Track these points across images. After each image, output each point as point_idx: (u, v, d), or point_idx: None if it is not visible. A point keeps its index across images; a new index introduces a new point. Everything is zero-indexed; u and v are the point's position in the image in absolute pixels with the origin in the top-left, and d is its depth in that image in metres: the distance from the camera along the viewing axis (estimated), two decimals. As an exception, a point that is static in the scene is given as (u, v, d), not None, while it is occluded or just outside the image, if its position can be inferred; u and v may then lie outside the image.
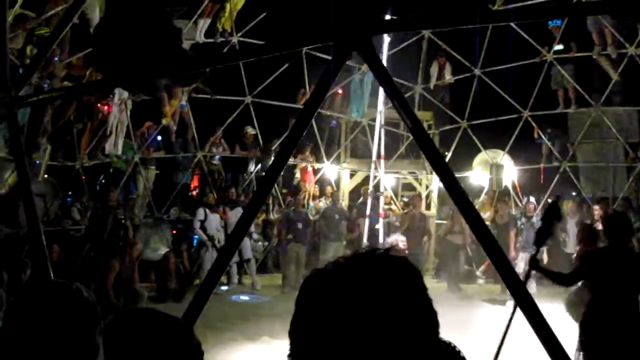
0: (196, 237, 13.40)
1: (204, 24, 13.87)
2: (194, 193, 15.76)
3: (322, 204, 14.84)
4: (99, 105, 12.78)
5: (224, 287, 13.21)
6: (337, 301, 1.15)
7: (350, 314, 1.13)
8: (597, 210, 12.74)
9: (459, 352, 1.46)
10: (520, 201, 15.12)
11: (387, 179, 16.11)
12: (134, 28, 3.01)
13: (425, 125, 16.29)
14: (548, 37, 14.85)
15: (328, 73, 2.72)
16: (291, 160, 15.55)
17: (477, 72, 15.35)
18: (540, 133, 15.27)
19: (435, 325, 1.20)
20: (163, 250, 12.96)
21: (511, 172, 15.09)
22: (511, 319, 4.67)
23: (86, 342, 2.02)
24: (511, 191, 15.14)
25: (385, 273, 1.18)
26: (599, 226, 12.38)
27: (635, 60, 14.07)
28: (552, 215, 5.65)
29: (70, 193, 13.81)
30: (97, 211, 11.94)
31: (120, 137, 13.21)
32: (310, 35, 3.12)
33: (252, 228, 14.08)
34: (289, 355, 1.22)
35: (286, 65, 14.64)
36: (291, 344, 1.22)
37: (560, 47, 14.73)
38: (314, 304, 1.19)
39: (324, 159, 15.97)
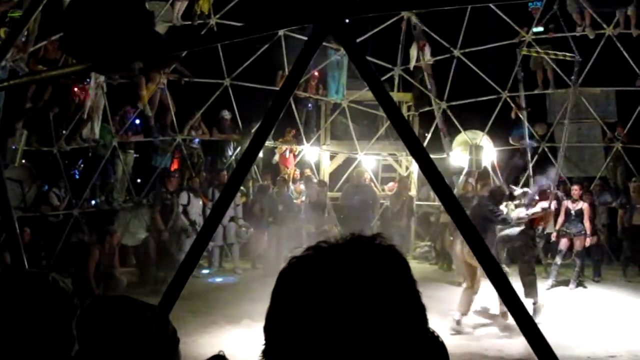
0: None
1: (181, 6, 13.70)
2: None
3: (303, 186, 14.84)
4: (75, 89, 12.61)
5: (205, 271, 13.22)
6: (318, 292, 1.05)
7: (331, 307, 1.03)
8: (576, 190, 12.90)
9: (437, 337, 1.45)
10: (500, 182, 15.21)
11: (367, 160, 16.21)
12: (105, 11, 2.95)
13: (404, 106, 16.35)
14: (527, 19, 14.88)
15: (304, 55, 2.70)
16: (272, 143, 15.56)
17: (456, 53, 15.37)
18: (520, 114, 15.34)
19: (424, 318, 1.11)
20: (143, 234, 12.89)
21: (490, 153, 15.16)
22: None
23: (62, 332, 2.00)
24: (490, 172, 15.21)
25: (371, 262, 1.08)
26: (578, 205, 12.60)
27: (612, 40, 14.18)
28: None
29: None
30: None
31: (97, 122, 13.06)
32: (286, 17, 3.08)
33: (240, 213, 14.09)
34: (263, 352, 1.11)
35: (265, 47, 14.54)
36: (266, 339, 1.11)
37: (539, 29, 14.77)
38: (292, 296, 1.08)
39: (304, 141, 15.95)
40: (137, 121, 14.42)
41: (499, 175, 14.99)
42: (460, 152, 15.24)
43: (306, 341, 1.03)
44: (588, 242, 12.55)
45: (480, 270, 8.42)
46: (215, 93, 14.85)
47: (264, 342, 1.11)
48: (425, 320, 1.11)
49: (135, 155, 15.08)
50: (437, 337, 1.45)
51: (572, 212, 12.67)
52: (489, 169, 15.15)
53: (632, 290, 11.92)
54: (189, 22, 13.93)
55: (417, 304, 1.10)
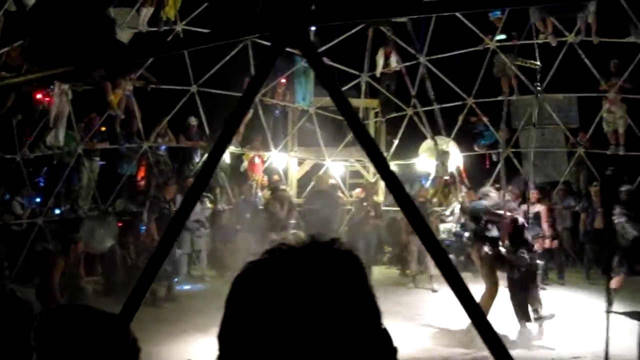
0: (143, 228, 13.22)
1: (147, 12, 13.64)
2: (141, 184, 15.52)
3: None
4: (39, 95, 12.45)
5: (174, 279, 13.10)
6: (271, 297, 1.03)
7: (285, 312, 1.01)
8: (534, 194, 13.18)
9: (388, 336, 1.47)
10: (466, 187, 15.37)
11: (335, 167, 16.26)
12: (66, 18, 2.94)
13: (372, 113, 16.46)
14: (492, 27, 15.12)
15: (264, 64, 2.71)
16: (239, 150, 15.54)
17: (422, 59, 15.51)
18: (485, 120, 15.56)
19: (378, 322, 1.09)
20: (109, 242, 12.75)
21: (457, 159, 15.31)
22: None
23: (19, 343, 1.99)
24: (457, 177, 15.36)
25: (327, 266, 1.07)
26: (535, 208, 12.84)
27: (574, 48, 14.46)
28: None
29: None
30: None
31: (61, 129, 12.91)
32: (246, 26, 3.09)
33: (206, 221, 14.01)
34: None
35: (232, 54, 14.51)
36: (220, 349, 1.07)
37: (502, 36, 15.02)
38: (245, 301, 1.06)
39: (271, 147, 15.93)
40: (103, 128, 14.29)
41: (466, 181, 15.13)
42: (427, 158, 15.37)
43: (259, 348, 1.01)
44: (547, 244, 12.78)
45: None
46: (182, 100, 14.76)
47: (217, 350, 1.08)
48: (379, 324, 1.10)
49: (101, 163, 14.91)
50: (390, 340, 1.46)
51: (530, 215, 12.90)
52: (456, 174, 15.28)
53: (595, 292, 12.09)
54: (155, 29, 13.86)
55: (373, 308, 1.09)
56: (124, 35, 13.32)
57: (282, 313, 1.01)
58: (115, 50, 3.01)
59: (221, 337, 1.08)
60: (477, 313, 2.39)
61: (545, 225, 12.85)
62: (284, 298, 1.02)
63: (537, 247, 12.65)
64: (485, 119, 15.48)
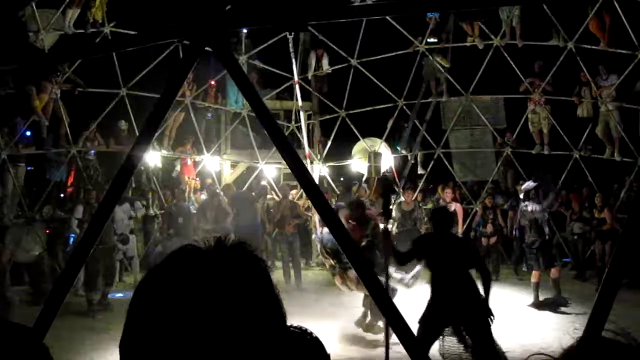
0: (73, 235, 12.90)
1: (73, 13, 13.32)
2: (69, 190, 15.14)
3: (204, 196, 14.68)
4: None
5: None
6: (172, 303, 1.01)
7: (185, 317, 0.99)
8: (448, 193, 13.70)
9: (314, 337, 1.49)
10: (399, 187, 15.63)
11: (268, 169, 16.24)
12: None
13: (304, 115, 16.51)
14: (422, 28, 15.40)
15: (181, 67, 2.71)
16: (170, 154, 15.36)
17: (353, 62, 15.68)
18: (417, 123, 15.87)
19: (283, 324, 1.09)
20: (36, 250, 12.40)
21: (389, 160, 15.54)
22: None
23: None
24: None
25: (231, 269, 1.06)
26: (450, 207, 13.29)
27: (500, 50, 14.89)
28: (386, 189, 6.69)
29: None
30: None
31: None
32: (164, 30, 3.08)
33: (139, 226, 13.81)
34: None
35: (162, 56, 14.30)
36: (121, 356, 1.04)
37: (433, 39, 15.32)
38: (144, 307, 1.03)
39: (204, 150, 15.80)
40: (28, 133, 13.87)
41: (398, 181, 15.38)
42: (359, 159, 15.55)
43: (158, 354, 1.00)
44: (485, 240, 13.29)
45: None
46: (112, 103, 14.43)
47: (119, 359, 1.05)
48: (284, 326, 1.10)
49: (28, 168, 14.47)
50: (312, 337, 1.48)
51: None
52: (388, 175, 15.52)
53: (523, 288, 12.51)
54: (82, 30, 13.54)
55: (276, 310, 1.09)
56: (48, 38, 13.00)
57: (181, 317, 0.99)
58: (28, 55, 2.95)
59: (122, 346, 1.05)
60: (390, 310, 2.46)
61: (459, 224, 13.35)
62: (183, 302, 1.00)
63: None
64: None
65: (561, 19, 14.23)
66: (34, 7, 12.36)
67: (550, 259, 11.35)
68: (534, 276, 11.36)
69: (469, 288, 6.60)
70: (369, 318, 9.34)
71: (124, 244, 12.54)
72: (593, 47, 14.21)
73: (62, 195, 14.93)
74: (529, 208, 11.44)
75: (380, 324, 8.44)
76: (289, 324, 1.14)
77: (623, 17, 13.20)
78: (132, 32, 12.51)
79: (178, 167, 16.06)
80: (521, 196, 12.16)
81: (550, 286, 11.52)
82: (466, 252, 6.82)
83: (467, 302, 6.52)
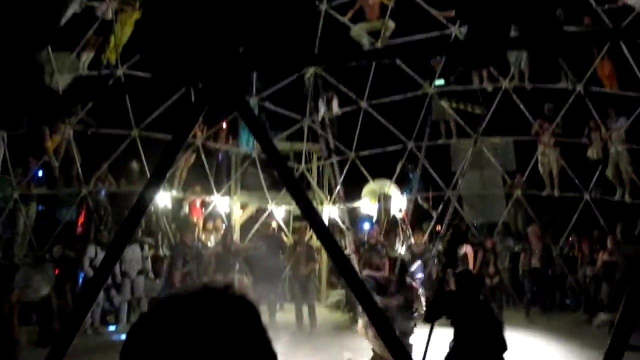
0: (82, 275, 12.91)
1: (87, 56, 13.56)
2: (80, 230, 15.18)
3: (213, 237, 14.69)
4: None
5: (112, 327, 12.79)
6: (163, 346, 1.03)
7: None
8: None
9: None
10: (408, 230, 15.59)
11: (277, 211, 16.27)
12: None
13: (315, 156, 16.62)
14: (430, 72, 15.55)
15: (192, 110, 2.76)
16: (181, 195, 15.43)
17: (363, 104, 15.81)
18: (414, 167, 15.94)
19: None
20: (45, 290, 12.38)
21: (399, 202, 15.54)
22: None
23: None
24: (399, 220, 15.58)
25: (220, 314, 1.07)
26: (462, 250, 13.24)
27: (509, 93, 14.99)
28: (457, 238, 6.40)
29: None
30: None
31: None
32: (176, 74, 3.14)
33: (149, 266, 13.80)
34: None
35: (175, 98, 14.47)
36: None
37: (441, 81, 15.44)
38: (138, 351, 1.05)
39: (214, 191, 15.86)
40: (40, 172, 13.99)
41: (407, 223, 15.36)
42: (369, 201, 15.56)
43: None
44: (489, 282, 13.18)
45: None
46: (123, 144, 14.56)
47: None
48: None
49: (39, 208, 14.55)
50: None
51: (458, 256, 13.28)
52: (398, 217, 15.51)
53: (535, 332, 12.33)
54: (96, 72, 13.76)
55: (267, 353, 1.10)
56: (63, 79, 13.21)
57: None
58: (44, 96, 3.02)
59: None
60: (397, 348, 2.44)
61: (470, 266, 13.26)
62: (173, 347, 1.03)
63: None
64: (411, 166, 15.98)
65: (569, 62, 14.34)
66: (50, 50, 12.62)
67: None
68: None
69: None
70: None
71: None
72: (601, 89, 14.28)
73: (72, 235, 14.97)
74: None
75: None
76: None
77: (631, 60, 13.28)
78: (146, 75, 12.68)
79: (187, 209, 16.10)
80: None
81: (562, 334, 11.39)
82: (490, 328, 6.51)
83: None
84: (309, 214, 2.54)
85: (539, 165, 15.37)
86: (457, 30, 14.16)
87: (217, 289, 1.12)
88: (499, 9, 2.69)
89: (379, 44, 14.40)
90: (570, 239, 14.84)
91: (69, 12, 11.37)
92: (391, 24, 14.48)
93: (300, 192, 2.56)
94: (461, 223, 14.55)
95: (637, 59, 13.27)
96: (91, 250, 12.63)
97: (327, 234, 2.51)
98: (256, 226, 15.90)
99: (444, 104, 15.37)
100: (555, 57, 13.09)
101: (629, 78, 13.76)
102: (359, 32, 14.49)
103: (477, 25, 2.68)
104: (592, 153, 14.96)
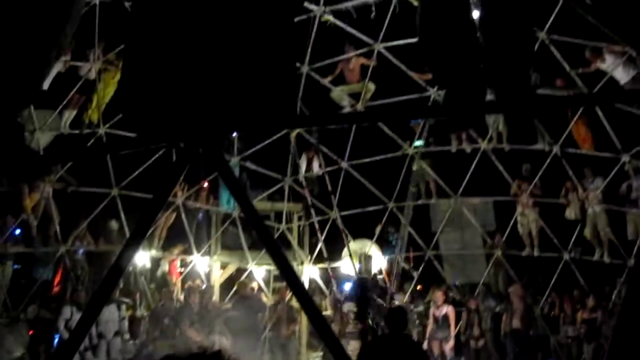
0: (57, 336, 12.62)
1: (69, 114, 13.61)
2: (56, 289, 14.92)
3: (192, 298, 14.48)
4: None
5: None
6: None
7: None
8: (439, 295, 13.61)
9: None
10: (390, 290, 15.51)
11: (258, 271, 16.14)
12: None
13: (295, 216, 16.61)
14: (410, 133, 15.77)
15: (172, 170, 2.78)
16: (160, 254, 15.29)
17: (344, 165, 15.92)
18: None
19: None
20: (18, 352, 12.08)
21: (379, 262, 15.51)
22: None
23: None
24: (379, 281, 15.51)
25: None
26: (442, 310, 13.24)
27: (487, 154, 15.19)
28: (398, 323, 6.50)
29: None
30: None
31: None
32: (158, 135, 3.16)
33: (125, 327, 13.53)
34: None
35: (156, 157, 14.48)
36: None
37: (420, 142, 15.65)
38: None
39: (194, 251, 15.74)
40: (18, 231, 13.83)
41: (388, 283, 15.29)
42: (350, 261, 15.49)
43: None
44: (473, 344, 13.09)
45: None
46: (103, 202, 14.48)
47: None
48: None
49: (15, 267, 14.32)
50: None
51: (439, 317, 13.24)
52: (379, 278, 15.46)
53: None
54: (77, 131, 13.79)
55: None
56: (44, 137, 13.21)
57: None
58: (24, 157, 3.03)
59: None
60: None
61: (452, 327, 13.22)
62: None
63: (447, 349, 13.00)
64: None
65: (546, 123, 14.60)
66: (32, 108, 12.65)
67: None
68: None
69: None
70: None
71: None
72: (578, 151, 14.52)
73: (48, 295, 14.70)
74: None
75: None
76: None
77: (605, 122, 13.56)
78: (128, 134, 12.74)
79: (166, 267, 15.92)
80: None
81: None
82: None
83: None
84: (287, 275, 2.54)
85: (519, 225, 15.46)
86: (436, 93, 14.44)
87: (209, 354, 1.11)
88: (474, 74, 2.77)
89: (359, 106, 14.64)
90: (551, 299, 14.82)
91: (53, 72, 11.53)
92: (371, 86, 14.77)
93: (278, 253, 2.57)
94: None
95: (611, 120, 13.56)
96: (67, 311, 12.37)
97: (305, 295, 2.50)
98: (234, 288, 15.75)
99: (424, 164, 15.55)
100: (530, 120, 13.37)
101: (605, 139, 14.03)
102: (340, 94, 14.77)
103: (453, 89, 2.76)
104: (570, 213, 15.10)
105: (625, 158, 13.85)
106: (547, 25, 12.96)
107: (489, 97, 3.07)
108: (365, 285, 12.66)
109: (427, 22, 2.76)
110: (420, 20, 2.80)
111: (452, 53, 2.74)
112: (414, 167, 15.72)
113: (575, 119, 14.07)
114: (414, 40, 2.90)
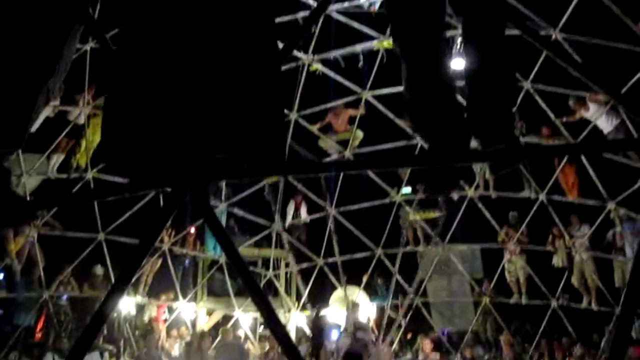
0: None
1: (57, 159, 13.59)
2: (38, 336, 14.66)
3: (177, 345, 14.28)
4: None
5: None
6: None
7: None
8: (427, 344, 13.49)
9: None
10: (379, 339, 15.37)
11: (244, 318, 15.96)
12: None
13: (283, 263, 16.53)
14: (398, 179, 15.86)
15: (159, 215, 2.78)
16: (145, 301, 15.11)
17: (331, 211, 15.93)
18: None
19: None
20: (-2, 401, 11.81)
21: (367, 309, 15.40)
22: None
23: None
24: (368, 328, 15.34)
25: None
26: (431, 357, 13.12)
27: (474, 202, 15.26)
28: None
29: None
30: None
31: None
32: (146, 180, 3.16)
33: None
34: None
35: (142, 202, 14.44)
36: None
37: (408, 189, 15.72)
38: None
39: (180, 298, 15.56)
40: (1, 275, 13.66)
41: (376, 331, 15.16)
42: (338, 308, 15.39)
43: None
44: None
45: None
46: (89, 247, 14.33)
47: None
48: None
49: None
50: None
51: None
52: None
53: None
54: (65, 175, 13.75)
55: None
56: (31, 181, 13.15)
57: None
58: (9, 202, 3.01)
59: None
60: None
61: None
62: None
63: None
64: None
65: (532, 170, 14.73)
66: (20, 152, 12.63)
67: None
68: None
69: None
70: None
71: None
72: (564, 199, 14.62)
73: (30, 341, 14.43)
74: None
75: None
76: None
77: (591, 171, 13.70)
78: (116, 179, 12.70)
79: (153, 313, 15.71)
80: None
81: None
82: None
83: None
84: (271, 323, 2.52)
85: (506, 272, 15.45)
86: (422, 141, 14.55)
87: None
88: (456, 124, 2.81)
89: (347, 153, 14.74)
90: (540, 347, 14.72)
91: (41, 117, 11.54)
92: (359, 134, 14.91)
93: (263, 300, 2.55)
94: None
95: (597, 168, 13.71)
96: (49, 359, 12.13)
97: (289, 343, 2.48)
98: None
99: (411, 211, 15.59)
100: (516, 169, 13.49)
101: (590, 186, 14.15)
102: (328, 142, 14.89)
103: (435, 139, 2.79)
104: (557, 261, 15.13)
105: (610, 205, 13.95)
106: (532, 75, 13.21)
107: (474, 145, 3.11)
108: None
109: (412, 80, 2.80)
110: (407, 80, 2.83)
111: (435, 107, 2.78)
112: (401, 217, 15.76)
113: (561, 166, 14.21)
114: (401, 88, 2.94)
